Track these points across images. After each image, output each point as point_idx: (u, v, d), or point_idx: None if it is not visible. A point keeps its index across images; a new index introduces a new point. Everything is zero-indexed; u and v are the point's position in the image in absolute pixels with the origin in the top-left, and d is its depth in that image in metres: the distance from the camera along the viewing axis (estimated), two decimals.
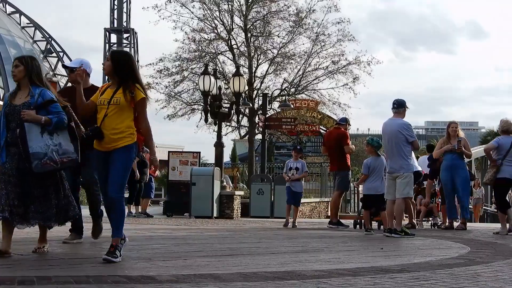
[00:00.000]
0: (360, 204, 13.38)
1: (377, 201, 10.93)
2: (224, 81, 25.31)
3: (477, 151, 38.47)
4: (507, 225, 11.65)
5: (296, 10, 27.67)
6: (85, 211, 8.04)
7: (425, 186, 13.79)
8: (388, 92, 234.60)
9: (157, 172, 17.67)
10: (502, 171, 11.57)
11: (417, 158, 14.18)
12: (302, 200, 22.28)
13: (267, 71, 28.19)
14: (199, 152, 18.80)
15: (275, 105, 28.69)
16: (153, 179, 17.56)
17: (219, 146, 18.74)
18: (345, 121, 14.04)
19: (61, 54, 59.10)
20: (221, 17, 27.76)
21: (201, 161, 20.00)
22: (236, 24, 27.81)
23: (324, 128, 32.13)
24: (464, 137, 12.70)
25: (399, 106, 10.49)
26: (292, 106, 28.88)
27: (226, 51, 27.98)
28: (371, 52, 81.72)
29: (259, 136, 28.83)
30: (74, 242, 7.91)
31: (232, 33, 27.73)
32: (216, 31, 27.80)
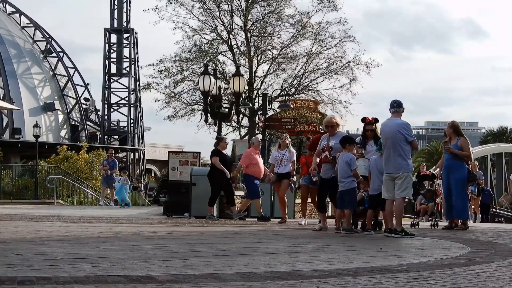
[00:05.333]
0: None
1: (380, 201, 10.86)
2: (224, 81, 25.30)
3: (477, 151, 38.54)
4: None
5: (301, 13, 27.76)
6: None
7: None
8: (386, 92, 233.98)
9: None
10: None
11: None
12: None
13: (267, 71, 28.25)
14: (199, 152, 18.76)
15: (275, 105, 28.72)
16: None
17: None
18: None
19: (61, 54, 59.16)
20: (221, 17, 27.81)
21: (201, 161, 19.94)
22: (236, 24, 27.86)
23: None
24: (463, 137, 12.65)
25: (398, 106, 10.50)
26: (292, 106, 28.90)
27: (226, 51, 28.02)
28: (367, 51, 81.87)
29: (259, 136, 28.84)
30: None
31: (232, 33, 27.76)
32: (216, 31, 27.84)
